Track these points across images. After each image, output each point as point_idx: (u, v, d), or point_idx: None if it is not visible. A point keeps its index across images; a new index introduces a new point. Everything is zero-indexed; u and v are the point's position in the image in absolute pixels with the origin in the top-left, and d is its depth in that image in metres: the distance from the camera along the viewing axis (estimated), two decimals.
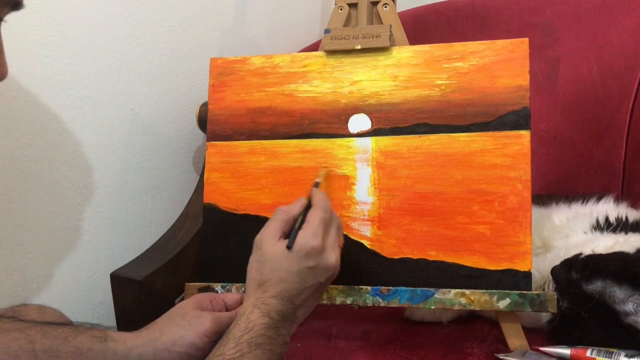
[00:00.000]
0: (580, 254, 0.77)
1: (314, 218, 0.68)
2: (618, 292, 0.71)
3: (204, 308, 0.70)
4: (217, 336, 0.66)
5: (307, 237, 0.66)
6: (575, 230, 0.89)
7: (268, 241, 0.67)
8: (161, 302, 0.92)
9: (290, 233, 0.68)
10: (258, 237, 0.68)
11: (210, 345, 0.66)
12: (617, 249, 0.78)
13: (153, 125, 1.11)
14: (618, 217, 0.88)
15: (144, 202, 1.11)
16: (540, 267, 0.83)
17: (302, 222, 0.68)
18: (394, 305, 0.78)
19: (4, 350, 0.62)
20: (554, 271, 0.77)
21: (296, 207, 0.70)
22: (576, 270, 0.75)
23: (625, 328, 0.71)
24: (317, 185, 0.76)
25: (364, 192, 0.83)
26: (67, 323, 0.71)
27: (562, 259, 0.78)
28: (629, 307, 0.70)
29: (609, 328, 0.72)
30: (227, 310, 0.72)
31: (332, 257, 0.67)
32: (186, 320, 0.67)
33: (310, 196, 0.72)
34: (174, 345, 0.66)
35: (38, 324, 0.66)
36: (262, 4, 1.32)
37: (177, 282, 0.94)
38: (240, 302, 0.71)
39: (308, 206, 0.71)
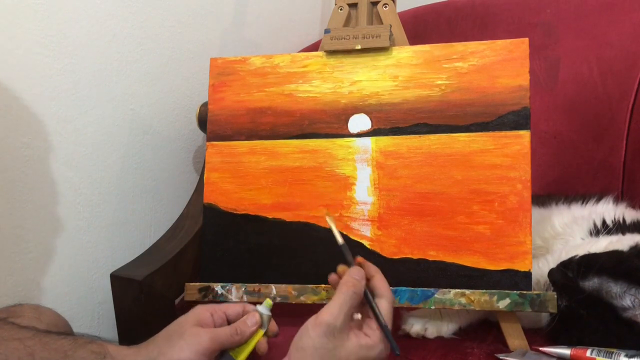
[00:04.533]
0: (576, 255, 0.77)
1: (386, 316, 0.65)
2: (614, 287, 0.71)
3: (204, 323, 0.69)
4: (215, 353, 0.67)
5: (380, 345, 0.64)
6: (573, 235, 0.89)
7: (345, 333, 0.62)
8: (161, 302, 0.92)
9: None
10: (332, 322, 0.61)
11: None
12: (611, 248, 0.78)
13: (153, 125, 1.11)
14: (615, 219, 0.88)
15: (144, 202, 1.11)
16: (538, 274, 0.82)
17: (375, 313, 0.65)
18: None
19: None
20: (551, 273, 0.77)
21: (360, 285, 0.65)
22: (571, 270, 0.75)
23: (625, 323, 0.71)
24: (344, 247, 0.69)
25: (364, 192, 0.83)
26: (67, 333, 0.71)
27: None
28: (627, 301, 0.70)
29: (608, 325, 0.72)
30: (228, 322, 0.71)
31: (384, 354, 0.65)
32: (184, 339, 0.67)
33: (369, 276, 0.67)
34: None
35: (37, 334, 0.65)
36: (262, 4, 1.32)
37: (177, 282, 0.93)
38: (242, 314, 0.71)
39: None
